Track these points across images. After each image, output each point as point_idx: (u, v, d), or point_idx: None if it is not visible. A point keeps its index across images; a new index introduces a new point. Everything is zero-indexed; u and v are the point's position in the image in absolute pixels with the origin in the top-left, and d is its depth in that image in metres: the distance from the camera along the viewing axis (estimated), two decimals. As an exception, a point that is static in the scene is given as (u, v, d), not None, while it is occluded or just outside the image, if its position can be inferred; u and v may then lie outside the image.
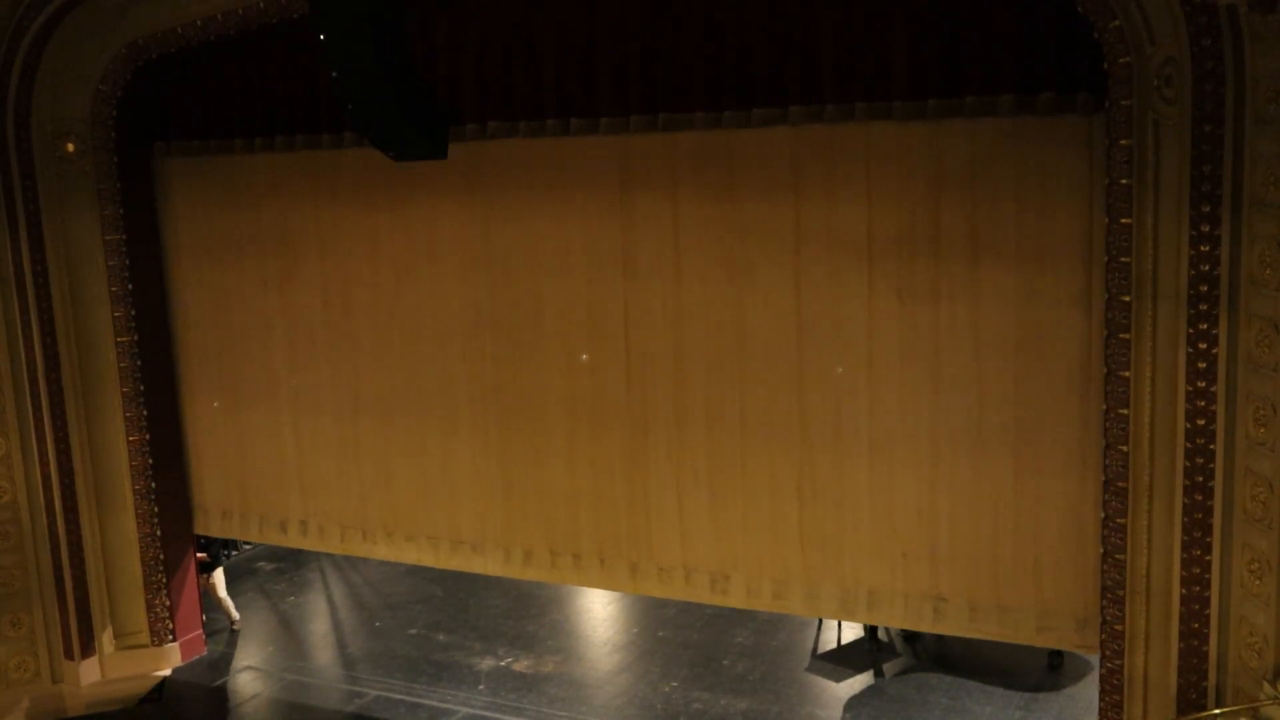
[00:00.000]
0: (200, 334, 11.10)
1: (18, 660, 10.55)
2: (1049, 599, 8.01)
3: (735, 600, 9.21)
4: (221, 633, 11.99)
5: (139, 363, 10.78)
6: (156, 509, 10.96)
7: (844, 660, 10.82)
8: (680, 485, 9.16)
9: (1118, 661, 7.47)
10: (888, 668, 10.60)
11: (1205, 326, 6.68)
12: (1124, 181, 6.97)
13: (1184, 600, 6.98)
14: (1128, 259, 7.02)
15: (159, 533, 10.99)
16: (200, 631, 11.57)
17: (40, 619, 10.59)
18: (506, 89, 9.07)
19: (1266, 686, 6.42)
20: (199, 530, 11.57)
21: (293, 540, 11.12)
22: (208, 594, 12.04)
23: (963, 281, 7.98)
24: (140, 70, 10.19)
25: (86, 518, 10.68)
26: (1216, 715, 6.78)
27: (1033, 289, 7.76)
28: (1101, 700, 7.69)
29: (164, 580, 11.05)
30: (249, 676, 11.18)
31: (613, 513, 9.45)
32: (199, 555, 11.75)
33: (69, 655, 10.71)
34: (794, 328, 8.56)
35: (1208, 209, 6.57)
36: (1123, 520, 7.26)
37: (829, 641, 11.18)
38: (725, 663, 10.87)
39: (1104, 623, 7.58)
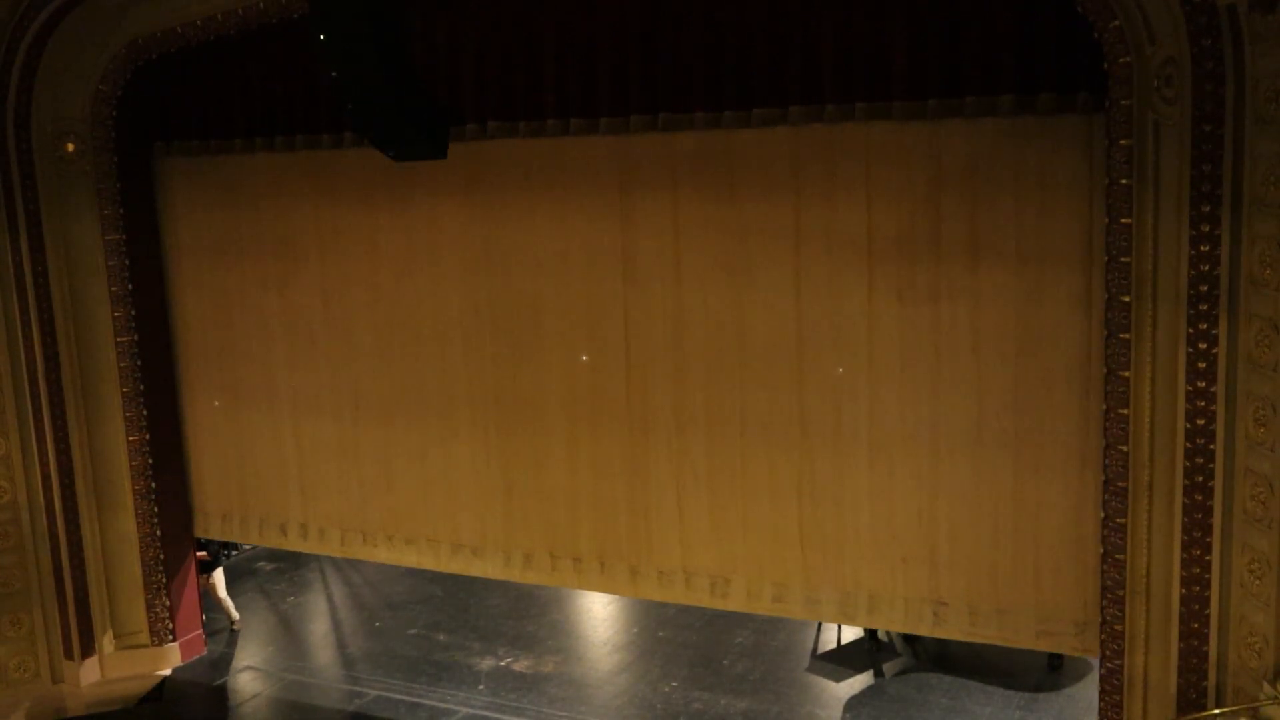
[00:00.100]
0: (200, 334, 11.10)
1: (18, 660, 10.56)
2: (1049, 602, 8.01)
3: (735, 604, 9.20)
4: (221, 633, 11.99)
5: (139, 363, 10.78)
6: (156, 509, 10.97)
7: (844, 660, 10.82)
8: (680, 487, 9.15)
9: (1118, 662, 7.47)
10: (888, 668, 10.60)
11: (1205, 326, 6.69)
12: (1124, 181, 6.97)
13: (1184, 600, 6.98)
14: (1128, 259, 7.02)
15: (159, 533, 10.99)
16: (200, 631, 11.57)
17: (40, 619, 10.60)
18: (506, 89, 9.07)
19: (1266, 686, 6.42)
20: (199, 533, 11.57)
21: (293, 543, 11.12)
22: (208, 594, 12.04)
23: (963, 282, 7.98)
24: (140, 70, 10.19)
25: (86, 518, 10.69)
26: (1216, 715, 6.78)
27: (1033, 289, 7.76)
28: (1101, 700, 7.69)
29: (164, 580, 11.05)
30: (249, 676, 11.18)
31: (612, 515, 9.45)
32: (199, 554, 11.75)
33: (69, 655, 10.71)
34: (794, 328, 8.56)
35: (1208, 209, 6.57)
36: (1123, 520, 7.26)
37: (829, 641, 11.18)
38: (725, 663, 10.86)
39: (1104, 623, 7.58)
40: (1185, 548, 6.93)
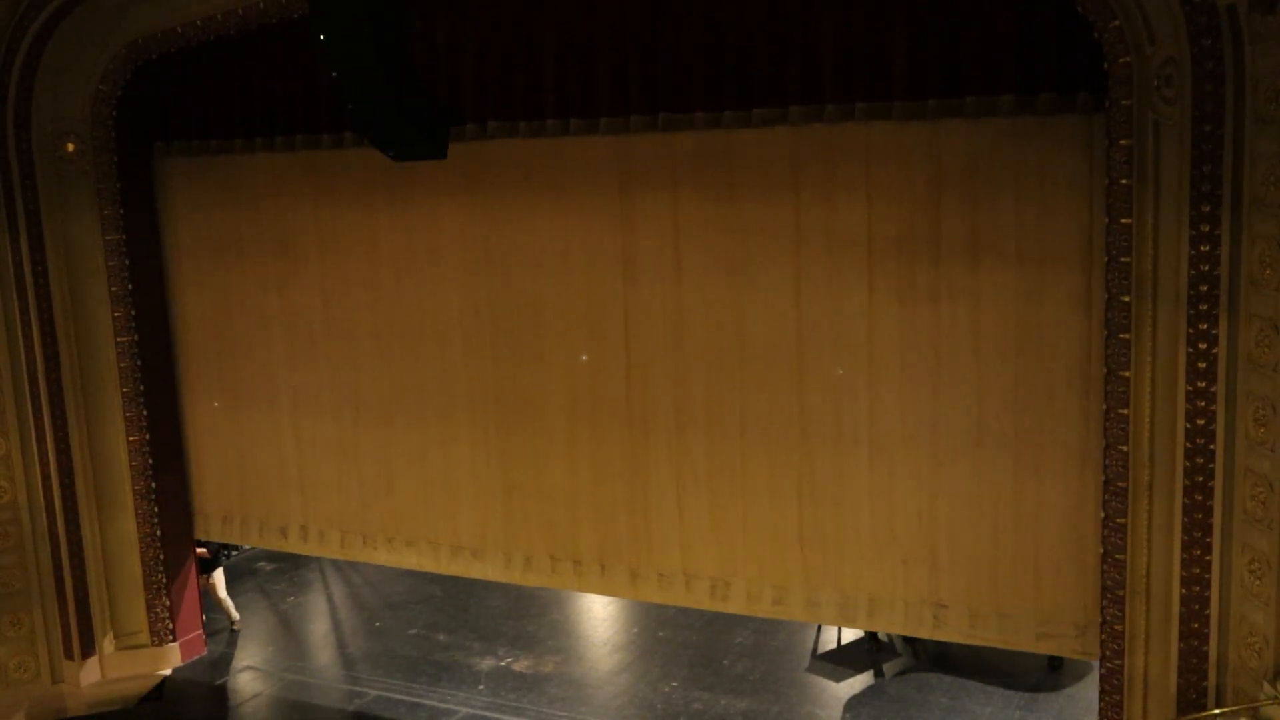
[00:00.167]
0: (200, 334, 11.10)
1: (18, 660, 10.55)
2: (1048, 605, 8.01)
3: (735, 606, 9.20)
4: (221, 633, 11.99)
5: (139, 363, 10.78)
6: (156, 509, 10.97)
7: (844, 660, 10.82)
8: (680, 488, 9.15)
9: (1118, 661, 7.47)
10: (888, 668, 10.60)
11: (1205, 326, 6.68)
12: (1124, 181, 6.97)
13: (1184, 600, 6.98)
14: (1128, 259, 7.02)
15: (159, 533, 10.99)
16: (200, 631, 11.57)
17: (40, 619, 10.60)
18: (506, 89, 9.07)
19: (1266, 686, 6.42)
20: (199, 536, 11.57)
21: (293, 545, 11.12)
22: (208, 594, 12.04)
23: (963, 282, 7.98)
24: (140, 70, 10.19)
25: (86, 518, 10.68)
26: (1216, 715, 6.78)
27: (1033, 289, 7.76)
28: (1101, 700, 7.69)
29: (164, 580, 11.05)
30: (249, 676, 11.18)
31: (612, 516, 9.45)
32: (198, 550, 11.74)
33: (69, 655, 10.71)
34: (794, 328, 8.56)
35: (1208, 209, 6.57)
36: (1123, 520, 7.26)
37: (829, 641, 11.18)
38: (725, 663, 10.86)
39: (1104, 622, 7.57)
40: (1185, 548, 6.93)
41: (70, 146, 10.24)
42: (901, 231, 8.11)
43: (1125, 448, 7.18)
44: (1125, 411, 7.15)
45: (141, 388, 10.81)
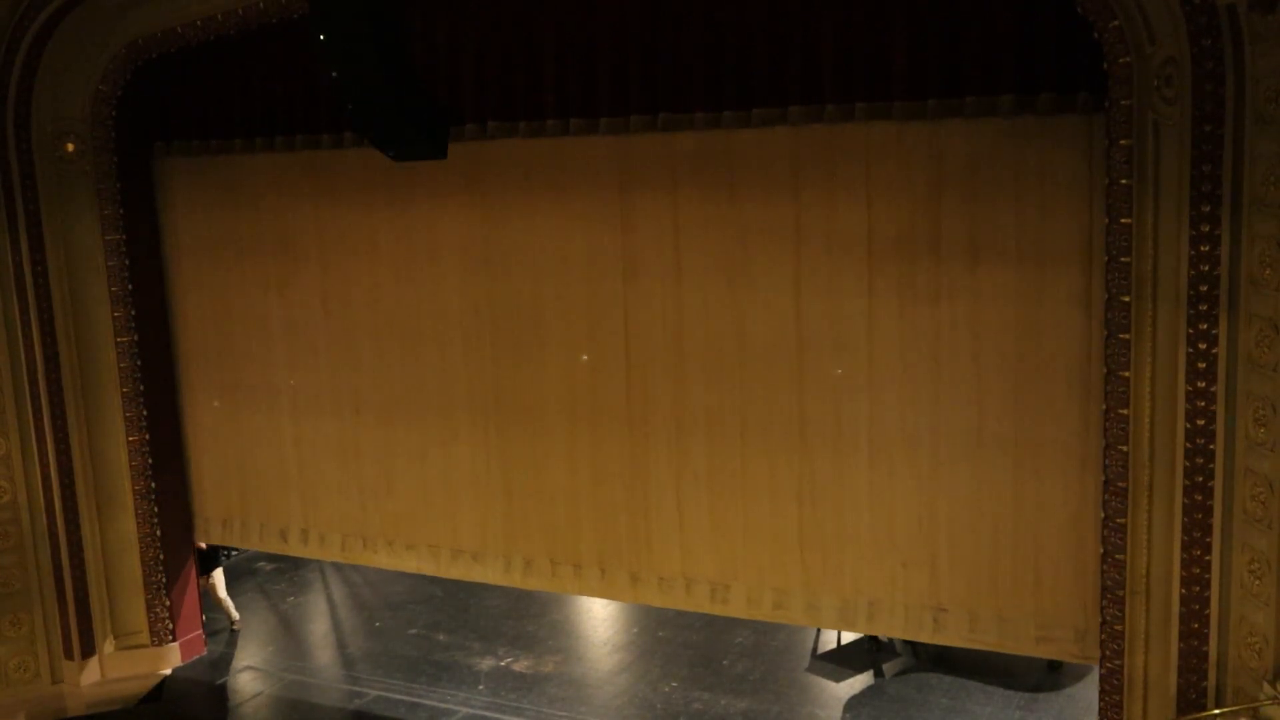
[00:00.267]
0: (200, 334, 11.10)
1: (18, 660, 10.55)
2: (1048, 608, 8.01)
3: (735, 610, 9.20)
4: (221, 633, 11.99)
5: (139, 363, 10.78)
6: (156, 509, 10.96)
7: (844, 660, 10.82)
8: (680, 490, 9.15)
9: (1118, 661, 7.47)
10: (888, 668, 10.60)
11: (1205, 326, 6.68)
12: (1124, 181, 6.97)
13: (1184, 600, 6.98)
14: (1128, 259, 7.02)
15: (159, 533, 10.99)
16: (200, 631, 11.57)
17: (40, 619, 10.59)
18: (506, 89, 9.07)
19: (1266, 686, 6.42)
20: (199, 539, 11.56)
21: (293, 549, 11.12)
22: (208, 594, 12.03)
23: (963, 282, 7.98)
24: (140, 70, 10.19)
25: (86, 518, 10.68)
26: (1216, 715, 6.78)
27: (1033, 289, 7.76)
28: (1101, 700, 7.69)
29: (164, 580, 11.05)
30: (249, 676, 11.18)
31: (612, 517, 9.44)
32: (199, 545, 11.73)
33: (69, 655, 10.71)
34: (793, 328, 8.55)
35: (1208, 209, 6.57)
36: (1123, 520, 7.26)
37: (829, 642, 11.18)
38: (725, 663, 10.86)
39: (1104, 623, 7.57)
40: (1185, 548, 6.93)
41: (70, 146, 10.24)
42: (901, 232, 8.10)
43: (1125, 448, 7.18)
44: (1125, 411, 7.15)
45: (141, 388, 10.81)
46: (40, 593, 10.56)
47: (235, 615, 12.19)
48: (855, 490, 8.52)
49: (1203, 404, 6.75)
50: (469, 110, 9.19)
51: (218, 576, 12.23)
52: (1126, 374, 7.12)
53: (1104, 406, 7.39)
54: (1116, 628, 7.43)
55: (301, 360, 10.63)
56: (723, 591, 9.14)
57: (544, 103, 8.96)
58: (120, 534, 10.85)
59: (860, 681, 10.39)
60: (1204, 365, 6.71)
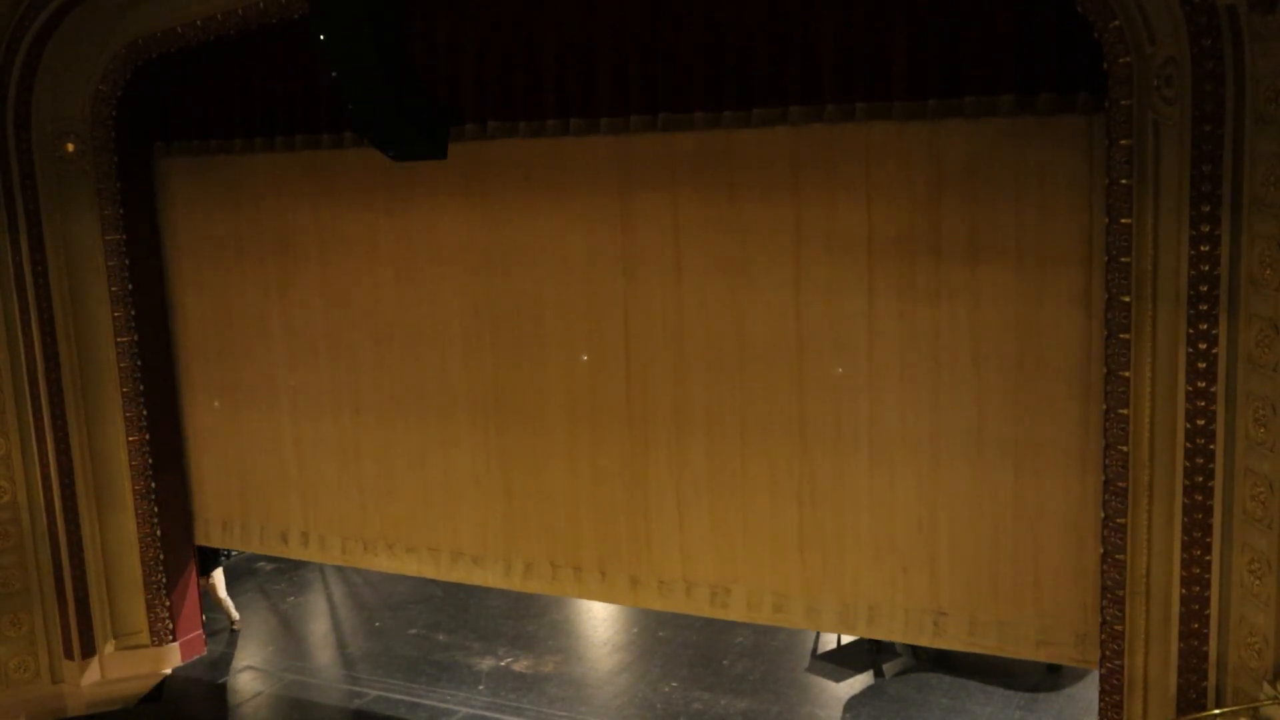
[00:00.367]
0: (200, 334, 11.09)
1: (18, 660, 10.55)
2: (1049, 612, 7.99)
3: (735, 614, 9.19)
4: (221, 633, 11.99)
5: (139, 363, 10.77)
6: (156, 509, 10.96)
7: (844, 660, 10.82)
8: (680, 491, 9.14)
9: (1118, 661, 7.46)
10: (888, 668, 10.60)
11: (1205, 326, 6.68)
12: (1124, 181, 6.97)
13: (1184, 600, 6.98)
14: (1128, 259, 7.01)
15: (159, 533, 10.99)
16: (200, 631, 11.56)
17: (40, 619, 10.59)
18: (506, 89, 9.06)
19: (1266, 686, 6.41)
20: (200, 541, 11.55)
21: (294, 551, 11.11)
22: (208, 594, 12.03)
23: (963, 282, 7.97)
24: (140, 70, 10.19)
25: (86, 518, 10.68)
26: (1216, 715, 6.78)
27: (1033, 289, 7.75)
28: (1101, 700, 7.68)
29: (164, 580, 11.04)
30: (249, 676, 11.18)
31: (612, 519, 9.43)
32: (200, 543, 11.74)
33: (69, 655, 10.71)
34: (793, 328, 8.55)
35: (1208, 209, 6.57)
36: (1123, 520, 7.26)
37: (829, 641, 11.17)
38: (725, 663, 10.86)
39: (1104, 623, 7.57)
40: (1185, 548, 6.93)
41: (70, 146, 10.24)
42: (901, 232, 8.10)
43: (1125, 448, 7.18)
44: (1125, 411, 7.15)
45: (141, 388, 10.80)
46: (40, 593, 10.56)
47: (235, 615, 12.18)
48: (855, 491, 8.51)
49: (1203, 404, 6.75)
50: (469, 110, 9.19)
51: (218, 576, 12.22)
52: (1126, 374, 7.12)
53: (1104, 406, 7.39)
54: (1116, 628, 7.43)
55: (301, 360, 10.63)
56: (723, 595, 9.13)
57: (544, 103, 8.95)
58: (120, 534, 10.85)
59: (860, 681, 10.39)
60: (1204, 365, 6.71)
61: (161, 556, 11.01)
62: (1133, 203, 6.93)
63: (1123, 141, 6.93)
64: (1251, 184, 6.35)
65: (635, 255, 9.04)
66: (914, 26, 7.70)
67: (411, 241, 9.91)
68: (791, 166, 8.39)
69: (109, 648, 10.91)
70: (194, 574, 11.51)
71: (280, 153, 10.18)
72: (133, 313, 10.69)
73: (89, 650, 10.78)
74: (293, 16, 9.21)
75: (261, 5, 9.35)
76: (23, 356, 10.25)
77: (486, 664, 11.09)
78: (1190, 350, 6.75)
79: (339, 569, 13.63)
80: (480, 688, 10.59)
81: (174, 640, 11.19)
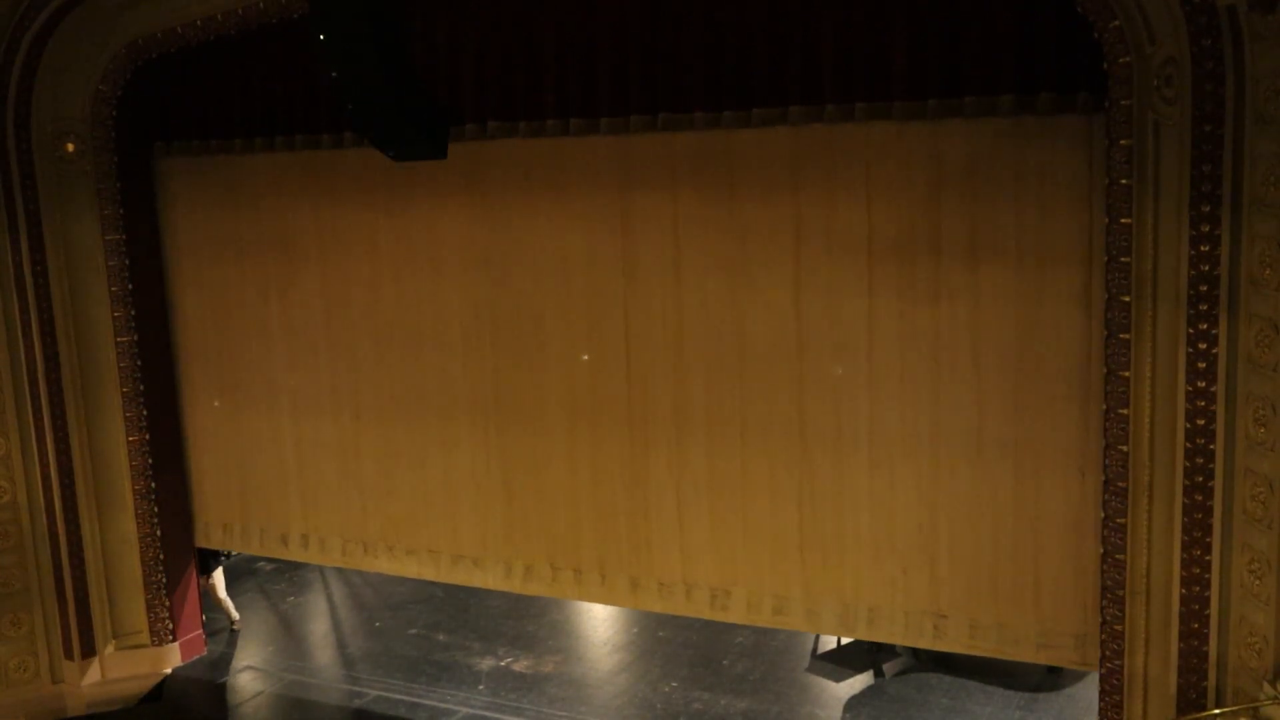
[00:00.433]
0: (200, 334, 11.09)
1: (18, 660, 10.55)
2: (1048, 614, 8.00)
3: (735, 616, 9.19)
4: (221, 633, 11.99)
5: (139, 363, 10.77)
6: (156, 509, 10.96)
7: (844, 660, 10.82)
8: (680, 492, 9.14)
9: (1118, 661, 7.47)
10: (888, 668, 10.60)
11: (1205, 326, 6.68)
12: (1124, 181, 6.97)
13: (1184, 600, 6.98)
14: (1128, 259, 7.01)
15: (159, 533, 10.99)
16: (200, 631, 11.56)
17: (40, 619, 10.59)
18: (506, 89, 9.06)
19: (1266, 686, 6.41)
20: (200, 543, 11.55)
21: (294, 553, 11.11)
22: (208, 594, 12.03)
23: (963, 282, 7.97)
24: (140, 70, 10.19)
25: (86, 518, 10.68)
26: (1216, 715, 6.78)
27: (1033, 289, 7.76)
28: (1101, 700, 7.68)
29: (164, 580, 11.04)
30: (249, 676, 11.18)
31: (612, 520, 9.43)
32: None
33: (69, 655, 10.71)
34: (793, 328, 8.55)
35: (1208, 209, 6.57)
36: (1123, 520, 7.26)
37: (829, 641, 11.17)
38: (725, 663, 10.86)
39: (1104, 623, 7.57)
40: (1185, 548, 6.93)
41: (70, 146, 10.24)
42: (901, 232, 8.10)
43: (1125, 448, 7.18)
44: (1125, 411, 7.15)
45: (141, 388, 10.80)
46: (40, 593, 10.56)
47: (235, 615, 12.19)
48: (855, 492, 8.51)
49: (1203, 404, 6.75)
50: (469, 110, 9.19)
51: (218, 576, 12.23)
52: (1126, 374, 7.12)
53: (1104, 406, 7.39)
54: (1116, 628, 7.43)
55: (301, 360, 10.63)
56: (723, 597, 9.13)
57: (544, 103, 8.96)
58: (120, 534, 10.85)
59: (860, 681, 10.39)
60: (1204, 365, 6.71)
61: (161, 556, 11.01)
62: (1133, 203, 6.93)
63: (1123, 141, 6.94)
64: (1251, 184, 6.35)
65: (635, 255, 9.04)
66: (914, 26, 7.70)
67: (411, 241, 9.91)
68: (791, 166, 8.39)
69: (109, 648, 10.91)
70: (194, 574, 11.52)
71: (280, 153, 10.18)
72: (133, 313, 10.70)
73: (89, 650, 10.78)
74: (293, 16, 9.21)
75: (261, 5, 9.36)
76: (23, 356, 10.25)
77: (486, 664, 11.09)
78: (1190, 350, 6.75)
79: (339, 569, 13.63)
80: (480, 688, 10.60)
81: (174, 640, 11.19)
